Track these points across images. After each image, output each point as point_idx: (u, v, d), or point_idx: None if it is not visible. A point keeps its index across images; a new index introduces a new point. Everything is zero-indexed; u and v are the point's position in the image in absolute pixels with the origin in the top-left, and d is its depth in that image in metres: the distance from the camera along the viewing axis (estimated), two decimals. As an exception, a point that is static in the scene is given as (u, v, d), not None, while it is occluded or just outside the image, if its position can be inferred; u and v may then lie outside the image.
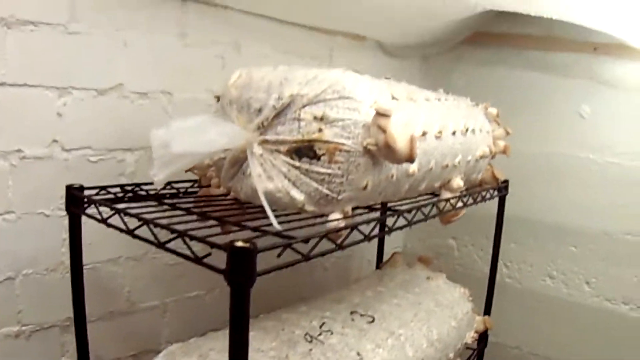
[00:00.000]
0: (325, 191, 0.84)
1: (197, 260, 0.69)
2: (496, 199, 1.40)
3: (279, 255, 0.70)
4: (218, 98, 1.00)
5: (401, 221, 0.95)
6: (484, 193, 1.27)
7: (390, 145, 0.81)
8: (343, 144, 0.82)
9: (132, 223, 0.82)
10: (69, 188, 0.93)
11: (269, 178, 0.85)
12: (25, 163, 1.03)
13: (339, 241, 0.85)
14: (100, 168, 1.14)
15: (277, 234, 0.75)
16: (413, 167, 0.94)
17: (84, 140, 1.11)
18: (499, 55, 1.71)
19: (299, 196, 0.84)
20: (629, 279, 1.59)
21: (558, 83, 1.61)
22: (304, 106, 0.84)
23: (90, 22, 1.09)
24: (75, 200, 0.91)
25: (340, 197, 0.85)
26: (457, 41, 1.73)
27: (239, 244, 0.62)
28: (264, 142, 0.86)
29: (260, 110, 0.86)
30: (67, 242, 1.01)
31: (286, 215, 0.86)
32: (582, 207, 1.60)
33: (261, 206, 0.82)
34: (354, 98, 0.83)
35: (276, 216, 0.79)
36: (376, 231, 0.87)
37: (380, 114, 0.82)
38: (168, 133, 0.80)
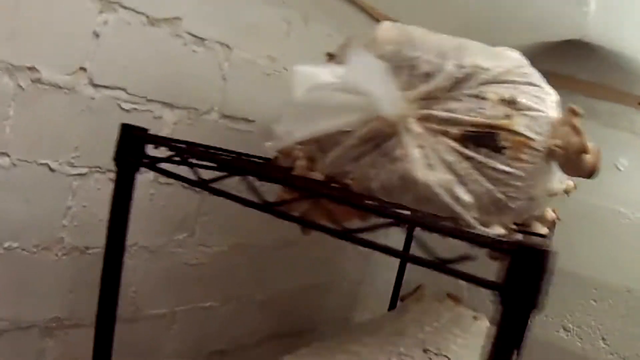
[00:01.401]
0: (499, 195, 0.65)
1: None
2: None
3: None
4: (332, 56, 0.78)
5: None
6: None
7: (583, 151, 0.65)
8: (533, 139, 0.64)
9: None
10: (128, 128, 0.65)
11: (430, 167, 0.65)
12: (37, 89, 0.73)
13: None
14: (131, 120, 0.86)
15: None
16: (570, 185, 0.78)
17: (120, 79, 0.83)
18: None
19: (465, 197, 0.64)
20: (648, 339, 1.52)
21: (598, 131, 1.56)
22: (487, 83, 0.65)
23: None
24: (137, 147, 0.64)
25: (512, 206, 0.66)
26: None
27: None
28: (425, 119, 0.66)
29: (428, 76, 0.66)
30: (72, 210, 0.74)
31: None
32: (607, 260, 1.53)
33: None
34: (541, 87, 0.68)
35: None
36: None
37: (574, 113, 0.66)
38: (319, 77, 0.58)
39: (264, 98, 1.05)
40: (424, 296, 1.27)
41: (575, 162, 0.67)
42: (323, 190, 0.62)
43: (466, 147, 0.64)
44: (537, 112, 0.65)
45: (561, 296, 1.55)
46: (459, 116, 0.64)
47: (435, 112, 0.65)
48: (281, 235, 1.18)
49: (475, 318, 1.16)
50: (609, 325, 1.55)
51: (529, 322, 0.41)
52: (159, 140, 0.63)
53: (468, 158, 0.64)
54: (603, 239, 1.56)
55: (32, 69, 0.72)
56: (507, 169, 0.64)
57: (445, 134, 0.65)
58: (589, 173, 0.68)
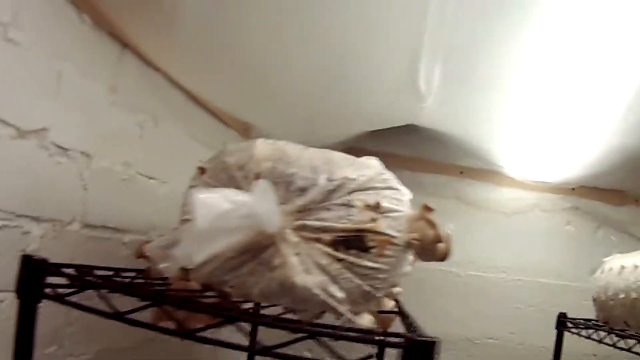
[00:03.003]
0: (367, 288, 0.73)
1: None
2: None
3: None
4: (203, 170, 0.81)
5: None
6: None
7: (439, 241, 0.77)
8: (394, 237, 0.74)
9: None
10: (28, 259, 0.64)
11: (306, 271, 0.71)
12: None
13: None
14: (2, 237, 0.79)
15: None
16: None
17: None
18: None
19: (338, 293, 0.71)
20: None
21: (425, 201, 1.76)
22: (353, 191, 0.74)
23: (33, 35, 0.82)
24: (38, 279, 0.61)
25: (378, 295, 0.75)
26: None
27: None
28: (300, 229, 0.72)
29: (303, 190, 0.73)
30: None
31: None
32: (445, 314, 1.71)
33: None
34: (399, 189, 0.79)
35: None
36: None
37: (428, 208, 0.79)
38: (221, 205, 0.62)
39: (121, 203, 1.06)
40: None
41: (430, 250, 0.78)
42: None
43: (337, 250, 0.72)
44: (397, 213, 0.75)
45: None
46: (330, 224, 0.72)
47: (309, 222, 0.72)
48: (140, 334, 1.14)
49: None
50: (453, 373, 1.72)
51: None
52: (59, 272, 0.60)
53: (339, 260, 0.71)
54: (440, 297, 1.76)
55: None
56: (373, 265, 0.72)
57: (318, 240, 0.72)
58: (443, 258, 0.80)
